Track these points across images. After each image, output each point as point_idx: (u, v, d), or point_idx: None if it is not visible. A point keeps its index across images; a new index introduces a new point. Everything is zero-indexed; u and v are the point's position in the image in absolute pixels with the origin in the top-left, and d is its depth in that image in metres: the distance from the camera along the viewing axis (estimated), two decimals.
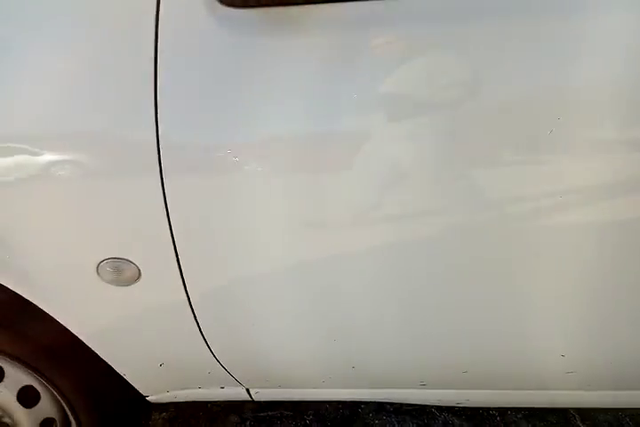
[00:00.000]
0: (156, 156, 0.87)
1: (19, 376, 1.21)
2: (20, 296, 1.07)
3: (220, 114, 0.85)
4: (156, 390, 1.22)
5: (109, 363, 1.11)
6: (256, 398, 1.25)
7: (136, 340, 1.07)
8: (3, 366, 1.19)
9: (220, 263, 0.96)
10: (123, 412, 1.27)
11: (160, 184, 0.89)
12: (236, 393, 1.24)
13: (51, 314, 1.02)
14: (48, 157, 0.90)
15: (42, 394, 1.24)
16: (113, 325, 1.05)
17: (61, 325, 1.08)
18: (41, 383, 1.24)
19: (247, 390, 1.24)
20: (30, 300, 1.01)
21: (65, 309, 1.02)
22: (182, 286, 0.99)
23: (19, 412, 1.22)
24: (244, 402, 1.89)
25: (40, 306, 1.01)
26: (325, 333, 1.05)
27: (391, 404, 1.85)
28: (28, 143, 0.89)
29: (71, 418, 1.26)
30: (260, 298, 1.00)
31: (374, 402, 1.86)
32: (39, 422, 1.25)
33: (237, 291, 1.00)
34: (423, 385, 1.17)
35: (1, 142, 0.89)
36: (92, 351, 1.16)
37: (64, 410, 1.29)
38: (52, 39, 0.86)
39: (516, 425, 1.76)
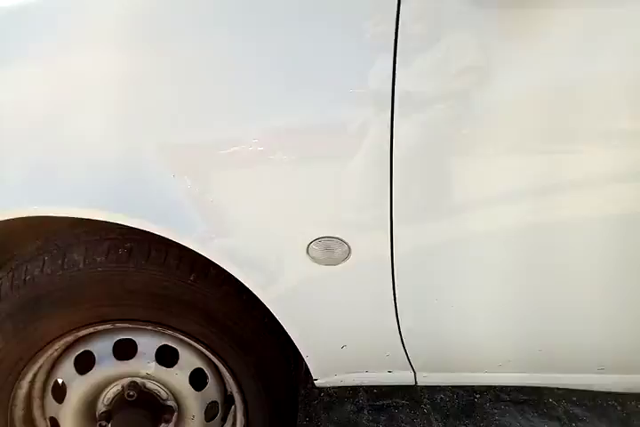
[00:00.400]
0: (389, 138, 0.88)
1: (191, 359, 1.21)
2: (215, 275, 1.08)
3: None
4: (326, 374, 1.22)
5: (297, 343, 1.11)
6: (421, 382, 1.25)
7: (329, 319, 1.08)
8: (177, 348, 1.19)
9: (432, 247, 0.96)
10: (288, 396, 1.27)
11: (389, 165, 0.89)
12: (402, 377, 1.24)
13: (253, 291, 1.02)
14: (266, 134, 0.90)
15: (209, 377, 1.24)
16: (312, 303, 1.05)
17: (253, 304, 1.08)
18: (210, 366, 1.24)
19: (414, 374, 1.23)
20: (235, 275, 1.00)
21: (268, 286, 1.02)
22: (390, 267, 0.98)
23: (189, 395, 1.22)
24: (357, 391, 1.89)
25: (243, 281, 1.01)
26: (522, 314, 1.05)
27: (507, 393, 1.84)
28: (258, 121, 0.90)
29: (238, 402, 1.27)
30: (464, 279, 1.00)
31: (490, 392, 1.85)
32: (206, 405, 1.25)
33: (442, 273, 1.00)
34: (601, 370, 1.16)
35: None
36: (273, 333, 1.16)
37: (225, 393, 1.29)
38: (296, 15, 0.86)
39: (637, 415, 1.74)
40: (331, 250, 0.97)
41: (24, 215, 0.95)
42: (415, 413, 1.79)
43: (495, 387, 1.87)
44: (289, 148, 0.91)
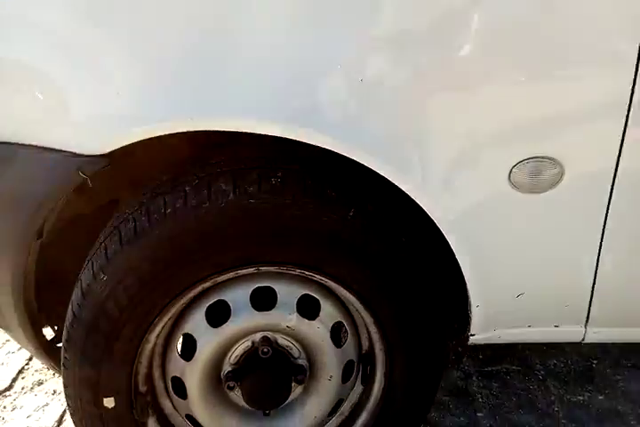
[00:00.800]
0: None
1: (332, 311, 1.07)
2: (374, 212, 0.93)
3: None
4: (486, 329, 1.07)
5: (470, 288, 0.96)
6: (589, 338, 1.10)
7: (516, 259, 0.93)
8: (319, 298, 1.04)
9: None
10: (438, 355, 1.12)
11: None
12: (568, 333, 1.09)
13: (431, 215, 0.87)
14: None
15: (349, 333, 1.10)
16: (500, 240, 0.89)
17: (412, 249, 0.93)
18: (350, 321, 1.09)
19: (585, 330, 1.08)
20: (410, 193, 0.85)
21: (449, 211, 0.87)
22: (608, 194, 0.82)
23: (329, 352, 1.08)
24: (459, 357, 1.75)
25: (421, 202, 0.86)
26: None
27: (628, 359, 1.70)
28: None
29: (379, 360, 1.12)
30: None
31: (607, 357, 1.71)
32: (344, 364, 1.10)
33: None
34: None
35: None
36: (431, 282, 1.01)
37: (360, 353, 1.15)
38: None
39: None
40: (538, 173, 0.82)
41: (175, 130, 0.80)
42: (530, 379, 1.65)
43: (612, 352, 1.72)
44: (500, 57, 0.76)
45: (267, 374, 1.05)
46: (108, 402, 1.01)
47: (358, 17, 0.74)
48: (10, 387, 1.70)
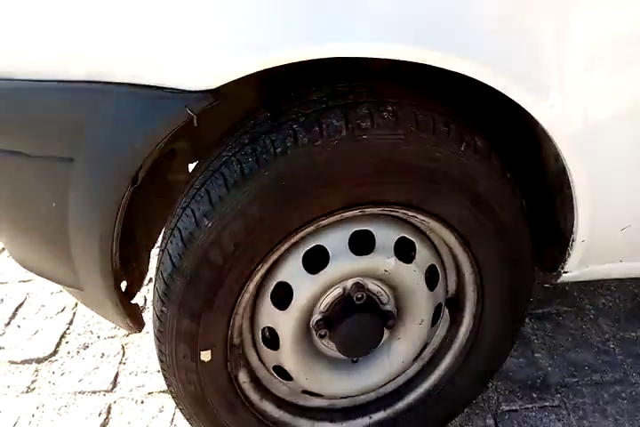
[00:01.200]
0: None
1: (427, 254, 1.04)
2: (482, 147, 0.89)
3: None
4: (579, 265, 1.05)
5: (581, 221, 0.93)
6: None
7: (633, 188, 0.90)
8: (415, 242, 1.01)
9: None
10: (526, 297, 1.11)
11: None
12: None
13: (554, 136, 0.83)
14: None
15: (440, 276, 1.07)
16: (621, 166, 0.86)
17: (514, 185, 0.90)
18: (440, 264, 1.07)
19: None
20: (530, 110, 0.81)
21: (578, 141, 0.83)
22: None
23: (423, 296, 1.05)
24: None
25: (551, 133, 0.82)
26: None
27: None
28: None
29: (470, 302, 1.10)
30: None
31: None
32: (434, 307, 1.09)
33: None
34: None
35: None
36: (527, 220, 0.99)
37: (446, 295, 1.13)
38: None
39: None
40: None
41: (301, 59, 0.73)
42: (582, 319, 1.66)
43: None
44: None
45: (362, 321, 1.02)
46: (205, 355, 0.97)
47: None
48: (55, 352, 1.65)
